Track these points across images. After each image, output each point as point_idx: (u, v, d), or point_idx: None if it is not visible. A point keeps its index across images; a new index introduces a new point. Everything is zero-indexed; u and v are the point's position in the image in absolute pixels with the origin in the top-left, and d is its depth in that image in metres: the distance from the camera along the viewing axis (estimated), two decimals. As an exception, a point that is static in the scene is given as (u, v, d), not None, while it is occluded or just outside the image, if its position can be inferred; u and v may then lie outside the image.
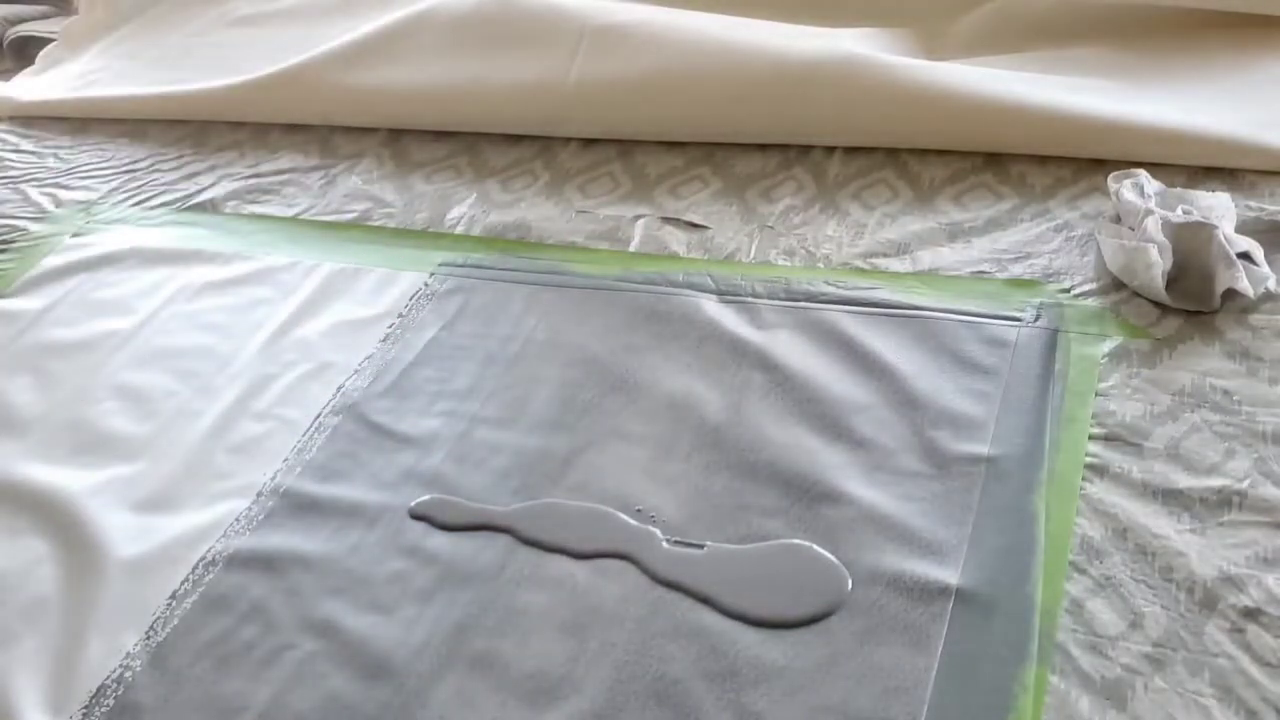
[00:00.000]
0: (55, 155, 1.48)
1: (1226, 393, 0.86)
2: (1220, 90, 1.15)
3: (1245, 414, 0.84)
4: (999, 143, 1.15)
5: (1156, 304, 0.94)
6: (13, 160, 1.48)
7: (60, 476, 0.98)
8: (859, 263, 1.07)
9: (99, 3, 1.79)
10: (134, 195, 1.37)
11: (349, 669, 0.79)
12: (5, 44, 1.80)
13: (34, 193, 1.40)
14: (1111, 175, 1.03)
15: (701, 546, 0.81)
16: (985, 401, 0.89)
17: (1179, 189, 1.02)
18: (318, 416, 1.00)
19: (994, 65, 1.21)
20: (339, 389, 1.02)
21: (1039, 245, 1.04)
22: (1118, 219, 1.00)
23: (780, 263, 1.08)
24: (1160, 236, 0.93)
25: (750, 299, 1.04)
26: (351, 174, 1.34)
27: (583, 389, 0.98)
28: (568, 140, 1.31)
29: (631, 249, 1.13)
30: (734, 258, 1.10)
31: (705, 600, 0.79)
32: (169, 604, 0.86)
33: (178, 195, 1.35)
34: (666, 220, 1.16)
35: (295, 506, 0.92)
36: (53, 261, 1.27)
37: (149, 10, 1.78)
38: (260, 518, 0.91)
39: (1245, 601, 0.72)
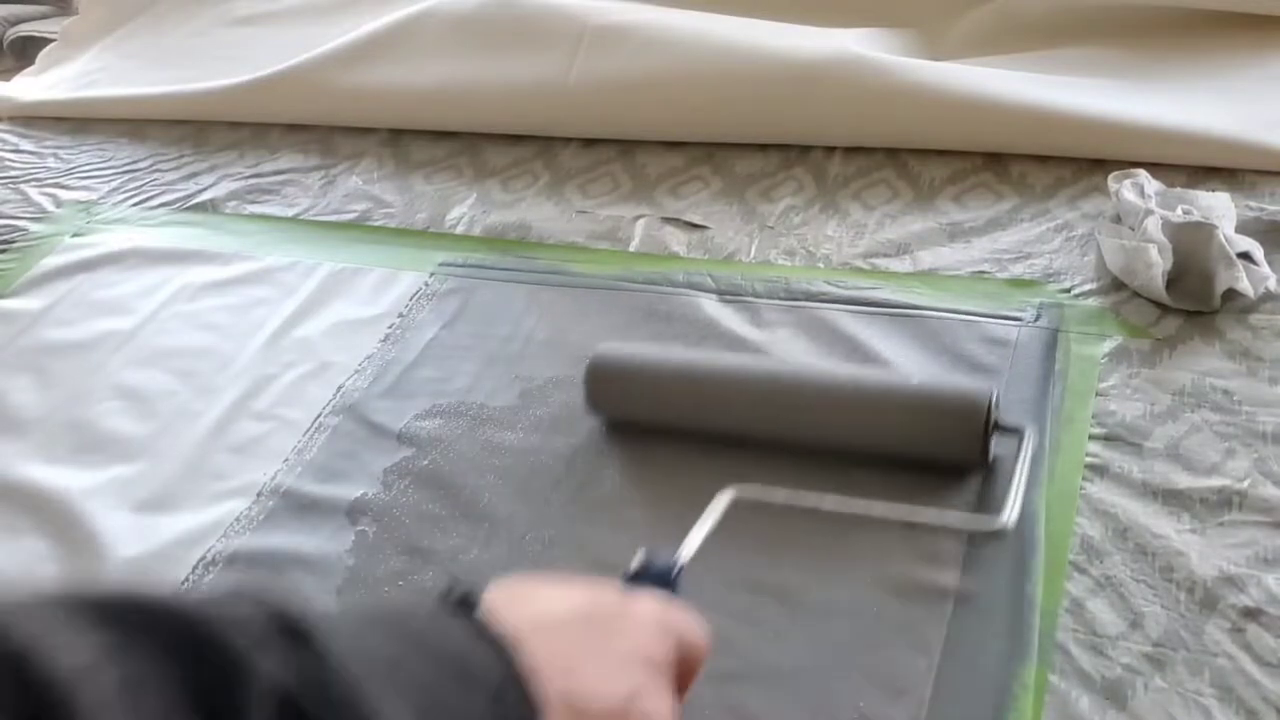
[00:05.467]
0: (55, 155, 1.48)
1: (1226, 393, 0.86)
2: (1220, 90, 1.14)
3: (1245, 414, 0.84)
4: (999, 143, 1.15)
5: (1156, 304, 0.94)
6: (13, 160, 1.48)
7: (60, 476, 0.98)
8: (859, 263, 1.07)
9: (99, 3, 1.79)
10: (134, 195, 1.37)
11: (349, 669, 0.79)
12: (5, 44, 1.80)
13: (34, 193, 1.40)
14: (1111, 175, 1.03)
15: None
16: (985, 401, 0.89)
17: (1179, 189, 1.02)
18: (318, 416, 1.00)
19: (994, 65, 1.21)
20: (339, 389, 1.02)
21: (1039, 245, 1.04)
22: (1118, 219, 1.00)
23: (780, 263, 1.08)
24: (1160, 236, 0.93)
25: (750, 299, 1.04)
26: (351, 174, 1.33)
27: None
28: (568, 140, 1.31)
29: (631, 249, 1.13)
30: (734, 258, 1.10)
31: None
32: (169, 604, 0.86)
33: (178, 195, 1.35)
34: (666, 220, 1.16)
35: (296, 506, 0.92)
36: (53, 261, 1.27)
37: (149, 10, 1.78)
38: (260, 518, 0.91)
39: (1245, 601, 0.72)
